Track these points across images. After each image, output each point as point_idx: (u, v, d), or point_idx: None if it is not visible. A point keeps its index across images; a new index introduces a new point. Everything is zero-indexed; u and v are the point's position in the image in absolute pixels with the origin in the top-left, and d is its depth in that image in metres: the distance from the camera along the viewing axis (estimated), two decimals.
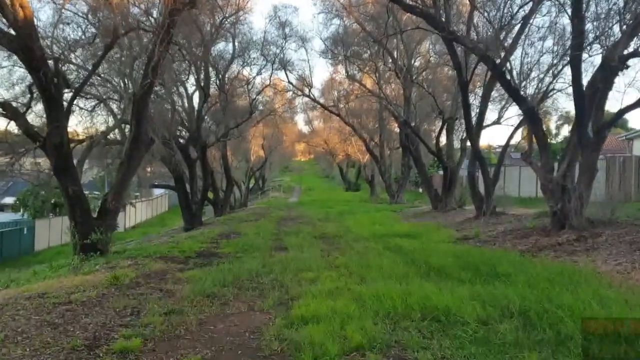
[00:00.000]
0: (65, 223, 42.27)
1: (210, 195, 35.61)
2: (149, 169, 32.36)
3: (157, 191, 59.01)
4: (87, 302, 7.24)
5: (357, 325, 5.72)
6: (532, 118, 14.43)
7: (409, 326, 5.93)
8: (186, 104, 27.80)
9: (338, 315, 6.17)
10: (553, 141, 49.78)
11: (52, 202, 42.29)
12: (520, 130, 66.81)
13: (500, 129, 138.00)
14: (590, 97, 12.84)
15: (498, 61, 15.00)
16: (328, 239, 16.17)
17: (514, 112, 50.41)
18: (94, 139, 15.39)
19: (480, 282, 8.21)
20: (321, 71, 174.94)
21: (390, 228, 18.54)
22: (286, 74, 35.19)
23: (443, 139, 26.61)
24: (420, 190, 57.65)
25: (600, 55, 12.88)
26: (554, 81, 15.51)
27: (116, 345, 5.29)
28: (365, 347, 5.17)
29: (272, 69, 30.04)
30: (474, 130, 19.35)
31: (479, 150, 19.94)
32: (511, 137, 21.09)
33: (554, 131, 60.59)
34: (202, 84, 23.91)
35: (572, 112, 15.78)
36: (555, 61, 14.97)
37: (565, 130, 61.61)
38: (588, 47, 12.87)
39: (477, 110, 20.36)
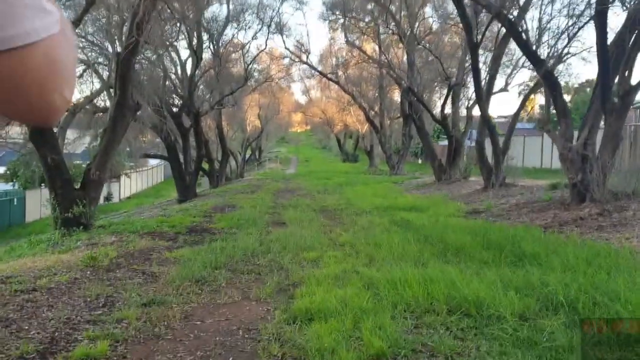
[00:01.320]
0: None
1: (205, 166, 34.55)
2: (144, 139, 31.20)
3: (153, 161, 57.82)
4: (55, 289, 6.22)
5: (373, 323, 4.68)
6: (551, 82, 13.30)
7: (435, 323, 4.92)
8: (179, 71, 26.52)
9: (349, 308, 5.14)
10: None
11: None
12: (520, 100, 65.77)
13: (501, 98, 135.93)
14: (616, 57, 11.72)
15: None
16: (328, 212, 15.16)
17: (520, 79, 49.20)
18: (78, 105, 14.20)
19: (507, 264, 7.24)
20: (319, 38, 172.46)
21: (394, 200, 17.53)
22: (283, 39, 34.16)
23: (447, 108, 25.45)
24: (420, 161, 56.61)
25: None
26: (569, 44, 14.31)
27: (76, 351, 4.24)
28: (387, 354, 4.14)
29: (268, 32, 28.62)
30: (483, 96, 18.20)
31: (489, 117, 18.80)
32: (523, 104, 19.93)
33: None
34: (195, 48, 22.53)
35: (585, 78, 14.56)
36: (570, 22, 13.75)
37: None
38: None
39: (486, 75, 19.20)
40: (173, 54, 25.15)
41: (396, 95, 43.28)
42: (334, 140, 76.43)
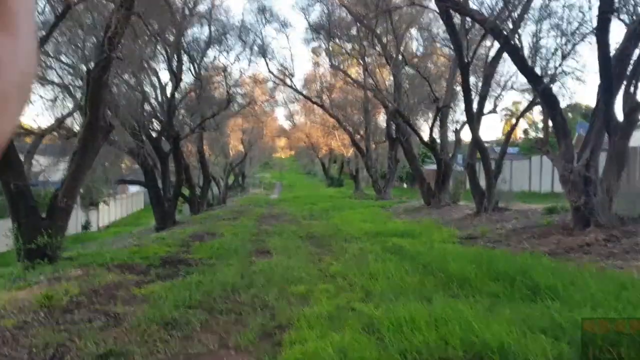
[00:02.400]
0: None
1: (187, 192, 33.47)
2: (122, 164, 30.07)
3: (133, 188, 56.57)
4: None
5: None
6: (549, 100, 12.63)
7: None
8: (159, 95, 25.62)
9: None
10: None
11: None
12: (502, 123, 65.21)
13: (483, 123, 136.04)
14: (619, 72, 11.09)
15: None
16: (316, 239, 14.25)
17: (507, 102, 48.74)
18: (46, 129, 13.20)
19: (521, 299, 6.38)
20: (303, 62, 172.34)
21: (384, 226, 16.69)
22: (266, 62, 33.19)
23: (435, 131, 24.78)
24: (405, 185, 56.03)
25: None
26: (565, 60, 13.64)
27: None
28: None
29: (251, 54, 27.85)
30: (474, 118, 17.53)
31: (480, 139, 18.11)
32: (515, 125, 19.31)
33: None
34: (174, 69, 21.64)
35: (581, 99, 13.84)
36: (568, 37, 13.12)
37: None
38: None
39: (476, 97, 18.55)
40: (154, 79, 24.23)
41: (382, 119, 42.78)
42: (318, 165, 75.80)
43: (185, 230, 17.17)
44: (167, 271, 9.03)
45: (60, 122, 14.69)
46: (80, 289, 7.45)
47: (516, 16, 13.74)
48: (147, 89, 24.80)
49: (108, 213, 54.24)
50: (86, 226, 48.53)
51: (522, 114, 17.78)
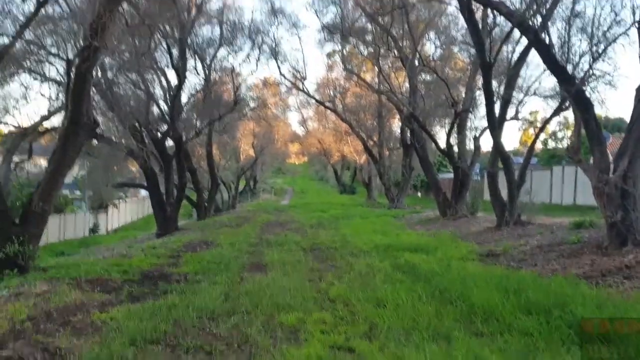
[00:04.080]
0: None
1: (194, 196, 32.43)
2: (134, 168, 29.00)
3: (144, 192, 55.77)
4: None
5: None
6: (582, 103, 11.29)
7: None
8: (164, 95, 24.54)
9: None
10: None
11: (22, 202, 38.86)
12: (520, 133, 63.33)
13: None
14: None
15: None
16: (320, 251, 13.02)
17: (530, 108, 46.87)
18: (28, 128, 12.10)
19: (564, 341, 5.12)
20: (316, 64, 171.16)
21: (396, 238, 15.42)
22: (278, 64, 32.02)
23: (453, 137, 23.42)
24: (420, 194, 54.58)
25: None
26: (593, 64, 12.26)
27: None
28: None
29: (259, 52, 26.54)
30: (496, 123, 16.20)
31: (503, 146, 16.76)
32: (541, 130, 17.91)
33: None
34: (176, 66, 20.48)
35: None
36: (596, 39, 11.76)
37: None
38: None
39: (499, 100, 17.24)
40: (155, 76, 23.12)
41: (396, 125, 41.49)
42: (331, 172, 74.62)
43: (181, 238, 16.03)
44: (142, 289, 7.83)
45: (44, 119, 13.56)
46: (32, 311, 6.31)
47: (545, 10, 12.42)
48: (153, 88, 23.89)
49: (118, 216, 53.49)
50: (94, 229, 47.72)
51: (550, 119, 16.37)
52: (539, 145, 64.92)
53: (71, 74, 10.14)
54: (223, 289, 7.71)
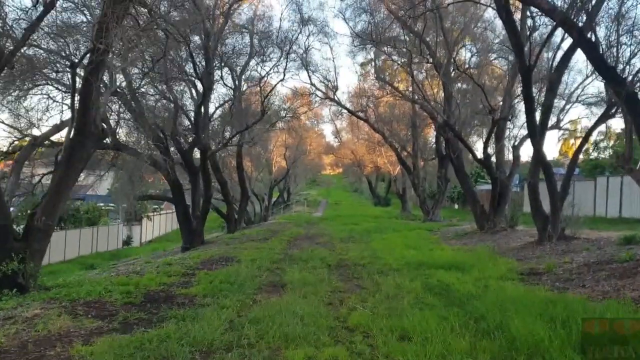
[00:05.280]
0: (70, 237, 39.19)
1: (224, 209, 31.87)
2: (162, 181, 28.59)
3: None
4: None
5: None
6: (634, 106, 10.17)
7: None
8: (191, 106, 24.00)
9: None
10: None
11: None
12: (560, 143, 61.08)
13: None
14: None
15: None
16: (346, 269, 12.11)
17: (571, 116, 45.04)
18: (38, 137, 11.55)
19: None
20: (347, 76, 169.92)
21: (429, 254, 14.37)
22: (308, 74, 31.30)
23: (490, 146, 22.24)
24: (457, 206, 53.10)
25: None
26: None
27: None
28: None
29: (287, 61, 25.75)
30: (537, 130, 15.06)
31: (544, 155, 15.58)
32: (587, 138, 16.64)
33: None
34: (201, 75, 19.83)
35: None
36: None
37: None
38: None
39: (539, 106, 16.13)
40: (181, 86, 22.60)
41: (431, 135, 40.36)
42: (365, 183, 73.74)
43: (202, 253, 15.28)
44: (139, 315, 7.02)
45: (58, 130, 13.01)
46: (8, 341, 5.57)
47: (591, 6, 11.37)
48: (182, 99, 23.41)
49: (152, 228, 53.53)
50: (127, 241, 47.77)
51: (595, 127, 15.17)
52: (580, 156, 62.75)
53: (76, 79, 9.49)
54: (229, 315, 6.86)
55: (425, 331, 5.99)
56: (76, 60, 10.01)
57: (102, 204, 46.48)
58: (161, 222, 55.85)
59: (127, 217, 47.97)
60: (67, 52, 11.47)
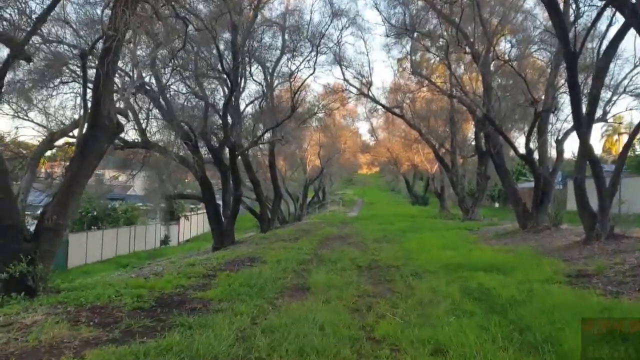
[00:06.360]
0: (107, 236, 39.34)
1: (258, 209, 31.41)
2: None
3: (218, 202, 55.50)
4: None
5: None
6: None
7: None
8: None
9: None
10: None
11: (93, 214, 39.30)
12: (602, 140, 58.74)
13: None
14: None
15: None
16: (378, 271, 11.36)
17: (616, 109, 42.82)
18: (55, 132, 11.10)
19: None
20: (382, 72, 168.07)
21: (468, 255, 13.49)
22: (342, 69, 30.51)
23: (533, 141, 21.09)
24: (497, 205, 51.59)
25: None
26: None
27: None
28: None
29: (317, 54, 24.87)
30: (584, 122, 13.99)
31: (592, 149, 14.49)
32: (635, 133, 15.43)
33: None
34: (226, 70, 19.24)
35: None
36: None
37: None
38: None
39: (586, 95, 15.05)
40: (212, 83, 22.10)
41: (470, 131, 39.08)
42: (402, 182, 72.47)
43: (229, 253, 14.74)
44: (146, 322, 6.39)
45: (77, 125, 12.54)
46: None
47: None
48: (214, 96, 23.00)
49: (189, 228, 53.59)
50: (165, 241, 47.82)
51: None
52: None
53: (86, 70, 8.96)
54: (242, 323, 6.19)
55: (462, 344, 5.22)
56: (87, 49, 9.49)
57: (140, 204, 46.58)
58: (198, 222, 55.83)
59: (165, 216, 48.06)
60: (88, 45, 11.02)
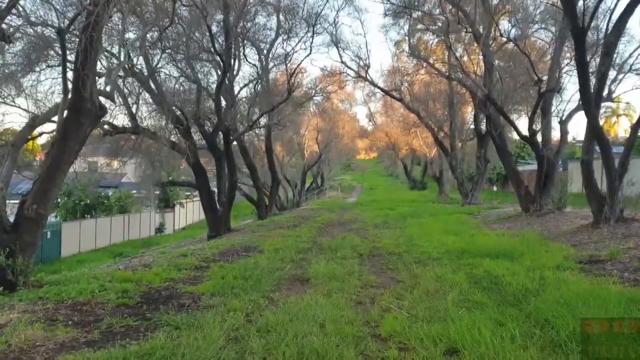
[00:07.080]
0: (101, 225, 38.76)
1: (255, 195, 30.88)
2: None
3: (214, 189, 54.75)
4: None
5: None
6: None
7: None
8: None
9: None
10: None
11: (86, 202, 38.78)
12: (602, 122, 58.53)
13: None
14: None
15: None
16: (380, 258, 10.84)
17: (627, 86, 42.30)
18: (38, 117, 10.52)
19: None
20: (380, 54, 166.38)
21: (471, 240, 12.94)
22: (339, 52, 29.81)
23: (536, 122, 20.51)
24: (495, 188, 51.16)
25: None
26: None
27: None
28: None
29: (313, 35, 24.18)
30: (592, 101, 13.41)
31: (601, 129, 13.93)
32: None
33: None
34: (220, 51, 18.56)
35: None
36: None
37: None
38: None
39: (595, 73, 14.43)
40: (204, 64, 21.41)
41: (469, 114, 38.47)
42: (401, 167, 72.03)
43: (223, 242, 14.18)
44: (129, 321, 5.84)
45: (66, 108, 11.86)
46: None
47: None
48: (207, 79, 22.37)
49: (185, 215, 53.04)
50: (160, 229, 47.23)
51: None
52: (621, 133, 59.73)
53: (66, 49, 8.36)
54: (235, 321, 5.64)
55: (477, 343, 4.69)
56: (64, 26, 8.86)
57: (134, 191, 45.96)
58: (194, 209, 55.25)
59: (159, 204, 47.49)
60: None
